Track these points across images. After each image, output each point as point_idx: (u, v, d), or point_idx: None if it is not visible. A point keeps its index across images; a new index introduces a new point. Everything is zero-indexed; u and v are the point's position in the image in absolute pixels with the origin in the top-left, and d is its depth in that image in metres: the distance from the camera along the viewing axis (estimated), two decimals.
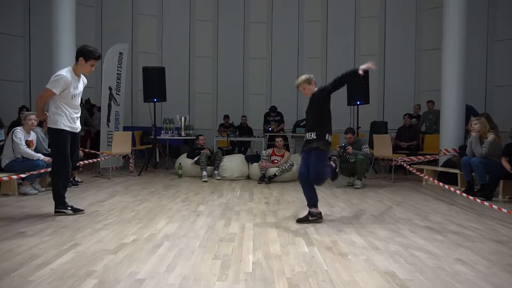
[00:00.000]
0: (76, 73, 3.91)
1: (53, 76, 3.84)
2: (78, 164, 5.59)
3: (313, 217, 3.75)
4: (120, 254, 2.73)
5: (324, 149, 3.72)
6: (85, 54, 3.84)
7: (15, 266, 2.46)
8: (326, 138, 3.74)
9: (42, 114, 4.05)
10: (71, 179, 5.82)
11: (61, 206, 3.93)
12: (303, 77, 4.12)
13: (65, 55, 7.18)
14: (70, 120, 3.90)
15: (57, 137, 3.86)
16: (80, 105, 4.10)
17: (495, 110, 8.78)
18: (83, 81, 4.07)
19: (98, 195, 5.13)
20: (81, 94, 4.06)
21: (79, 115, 4.04)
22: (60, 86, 3.76)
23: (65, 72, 3.82)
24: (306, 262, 2.63)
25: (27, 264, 2.51)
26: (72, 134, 3.97)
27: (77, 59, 3.88)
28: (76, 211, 3.97)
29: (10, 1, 9.23)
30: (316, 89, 4.04)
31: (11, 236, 3.16)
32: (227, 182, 6.55)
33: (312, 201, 3.79)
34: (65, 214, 3.90)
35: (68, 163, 3.91)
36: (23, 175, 4.85)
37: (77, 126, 4.02)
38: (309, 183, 3.75)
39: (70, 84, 3.80)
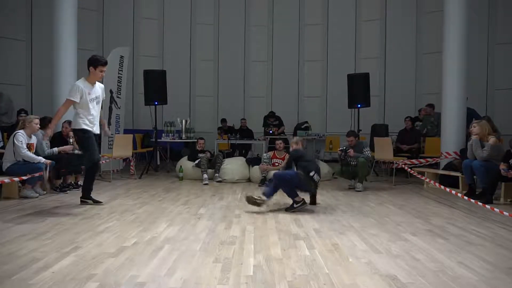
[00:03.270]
0: (90, 82, 4.44)
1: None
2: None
3: (297, 204, 4.45)
4: (121, 258, 2.72)
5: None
6: (93, 63, 4.39)
7: (15, 270, 2.46)
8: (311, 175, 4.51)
9: (55, 124, 4.47)
10: (73, 183, 5.84)
11: (85, 197, 4.59)
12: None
13: (66, 59, 7.20)
14: (89, 124, 4.41)
15: (81, 135, 4.37)
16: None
17: (496, 113, 8.78)
18: (99, 87, 4.55)
19: (99, 198, 5.09)
20: (100, 100, 4.56)
21: (97, 121, 4.53)
22: (76, 94, 4.28)
23: (77, 82, 4.42)
24: (307, 265, 2.63)
25: (28, 267, 2.50)
26: (95, 135, 4.49)
27: (88, 69, 4.43)
28: (96, 202, 4.59)
29: (11, 4, 9.26)
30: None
31: (12, 239, 3.16)
32: (228, 185, 6.55)
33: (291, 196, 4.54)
34: (87, 203, 4.55)
35: (95, 157, 4.44)
36: (24, 177, 4.86)
37: (96, 129, 4.51)
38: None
39: (83, 91, 4.32)
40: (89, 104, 4.37)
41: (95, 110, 4.49)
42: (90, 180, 4.64)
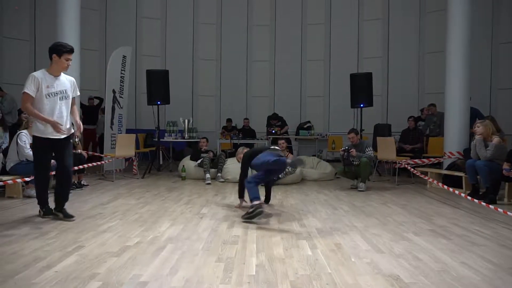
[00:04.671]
0: (53, 73, 3.75)
1: None
2: (76, 168, 5.56)
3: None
4: (124, 257, 2.73)
5: None
6: (57, 50, 3.73)
7: (19, 269, 2.47)
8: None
9: (46, 119, 3.73)
10: (76, 182, 5.85)
11: (56, 208, 3.91)
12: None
13: None
14: (42, 128, 3.70)
15: (33, 144, 3.83)
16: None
17: (499, 113, 8.74)
18: (67, 80, 3.86)
19: (102, 197, 5.14)
20: (69, 96, 3.81)
21: (63, 119, 3.75)
22: (31, 85, 3.61)
23: (35, 72, 3.72)
24: (310, 265, 2.62)
25: (31, 266, 2.51)
26: (54, 140, 3.75)
27: (50, 58, 3.75)
28: (67, 217, 3.84)
29: (15, 4, 9.32)
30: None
31: (15, 238, 3.17)
32: (231, 185, 6.55)
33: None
34: (57, 217, 3.87)
35: (44, 174, 3.84)
36: (27, 179, 4.87)
37: (59, 132, 3.73)
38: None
39: (40, 83, 3.64)
40: (44, 99, 3.64)
41: (60, 108, 3.73)
42: (61, 189, 3.90)
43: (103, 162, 7.11)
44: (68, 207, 4.47)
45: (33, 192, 5.06)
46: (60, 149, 3.83)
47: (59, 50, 3.71)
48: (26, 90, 3.61)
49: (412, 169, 6.40)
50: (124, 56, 8.23)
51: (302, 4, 11.47)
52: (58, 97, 3.73)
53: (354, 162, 6.10)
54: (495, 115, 7.28)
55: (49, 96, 3.68)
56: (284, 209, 4.56)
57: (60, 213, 3.85)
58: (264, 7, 11.57)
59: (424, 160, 6.97)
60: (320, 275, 2.43)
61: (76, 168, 5.57)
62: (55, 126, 3.69)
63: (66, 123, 3.80)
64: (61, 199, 3.90)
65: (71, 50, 3.77)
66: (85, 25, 8.05)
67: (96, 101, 9.37)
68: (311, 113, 11.32)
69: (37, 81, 3.64)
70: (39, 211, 3.98)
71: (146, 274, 2.42)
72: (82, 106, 8.66)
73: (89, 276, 2.36)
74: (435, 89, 9.44)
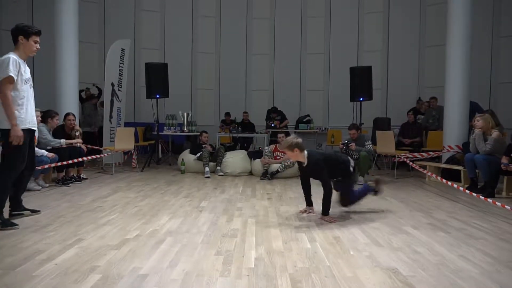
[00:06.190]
0: (22, 57, 3.39)
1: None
2: (76, 161, 5.58)
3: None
4: (123, 250, 2.74)
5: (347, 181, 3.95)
6: (24, 31, 3.36)
7: (19, 261, 2.48)
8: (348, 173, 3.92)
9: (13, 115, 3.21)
10: (76, 176, 5.85)
11: (17, 209, 3.62)
12: (289, 141, 3.69)
13: (68, 51, 7.20)
14: (31, 116, 3.40)
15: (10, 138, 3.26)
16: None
17: (499, 107, 8.72)
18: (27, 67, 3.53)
19: (101, 190, 5.15)
20: (32, 84, 3.51)
21: (34, 110, 3.54)
22: (12, 68, 3.19)
23: (10, 54, 3.28)
24: (309, 258, 2.64)
25: (32, 259, 2.52)
26: (32, 131, 3.48)
27: (16, 41, 3.37)
28: (33, 211, 3.70)
29: None
30: (305, 157, 3.72)
31: (15, 231, 3.18)
32: (230, 178, 6.56)
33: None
34: (23, 215, 3.63)
35: (15, 174, 3.37)
36: None
37: (35, 124, 3.53)
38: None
39: (20, 67, 3.28)
40: (23, 86, 3.31)
41: (33, 98, 3.46)
42: (25, 179, 3.69)
43: (102, 155, 7.10)
44: (68, 200, 4.50)
45: (32, 185, 5.08)
46: (31, 142, 3.55)
47: (26, 31, 3.35)
48: (9, 73, 3.16)
49: (411, 163, 6.40)
50: (122, 49, 8.18)
51: None
52: (29, 84, 3.41)
53: (353, 156, 6.10)
54: (495, 109, 7.27)
55: (26, 83, 3.35)
56: (283, 203, 4.57)
57: (26, 211, 3.65)
58: (264, 0, 11.49)
59: (423, 154, 6.98)
60: (319, 268, 2.45)
61: (75, 161, 5.58)
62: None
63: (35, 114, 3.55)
64: (21, 193, 3.66)
65: (39, 32, 3.43)
66: (83, 17, 7.99)
67: (94, 90, 9.31)
68: (310, 106, 11.29)
69: (18, 64, 3.25)
70: (21, 214, 3.59)
71: (146, 267, 2.43)
72: (81, 99, 8.64)
73: (89, 268, 2.37)
74: (435, 82, 9.41)
